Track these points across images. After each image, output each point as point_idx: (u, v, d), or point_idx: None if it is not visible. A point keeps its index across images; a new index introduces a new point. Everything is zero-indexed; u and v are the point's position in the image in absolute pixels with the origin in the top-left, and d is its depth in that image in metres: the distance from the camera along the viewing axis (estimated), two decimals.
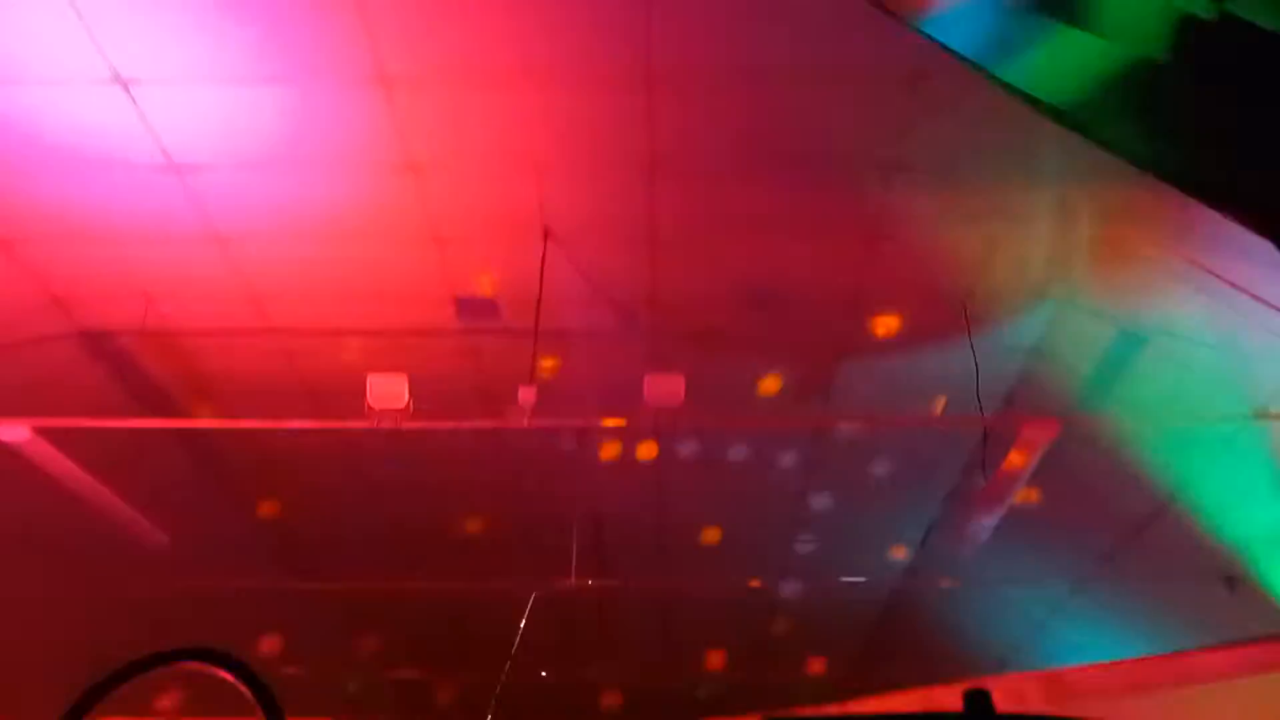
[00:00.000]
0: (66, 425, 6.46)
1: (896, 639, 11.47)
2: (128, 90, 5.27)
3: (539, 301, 6.63)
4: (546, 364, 7.47)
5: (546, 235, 6.41)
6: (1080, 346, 7.01)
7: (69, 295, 6.87)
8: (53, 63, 5.07)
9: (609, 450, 8.56)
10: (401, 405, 5.68)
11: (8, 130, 5.47)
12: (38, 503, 7.68)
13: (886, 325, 7.19)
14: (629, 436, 7.88)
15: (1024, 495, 7.53)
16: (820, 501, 9.40)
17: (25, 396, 7.00)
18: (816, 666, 12.42)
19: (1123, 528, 7.92)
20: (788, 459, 8.64)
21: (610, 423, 6.41)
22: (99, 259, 6.57)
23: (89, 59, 5.03)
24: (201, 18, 4.87)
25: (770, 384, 7.87)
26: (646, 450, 8.45)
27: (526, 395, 5.80)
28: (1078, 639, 9.47)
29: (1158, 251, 6.02)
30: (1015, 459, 6.06)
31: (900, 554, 10.35)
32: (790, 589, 10.24)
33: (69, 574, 8.66)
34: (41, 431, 6.26)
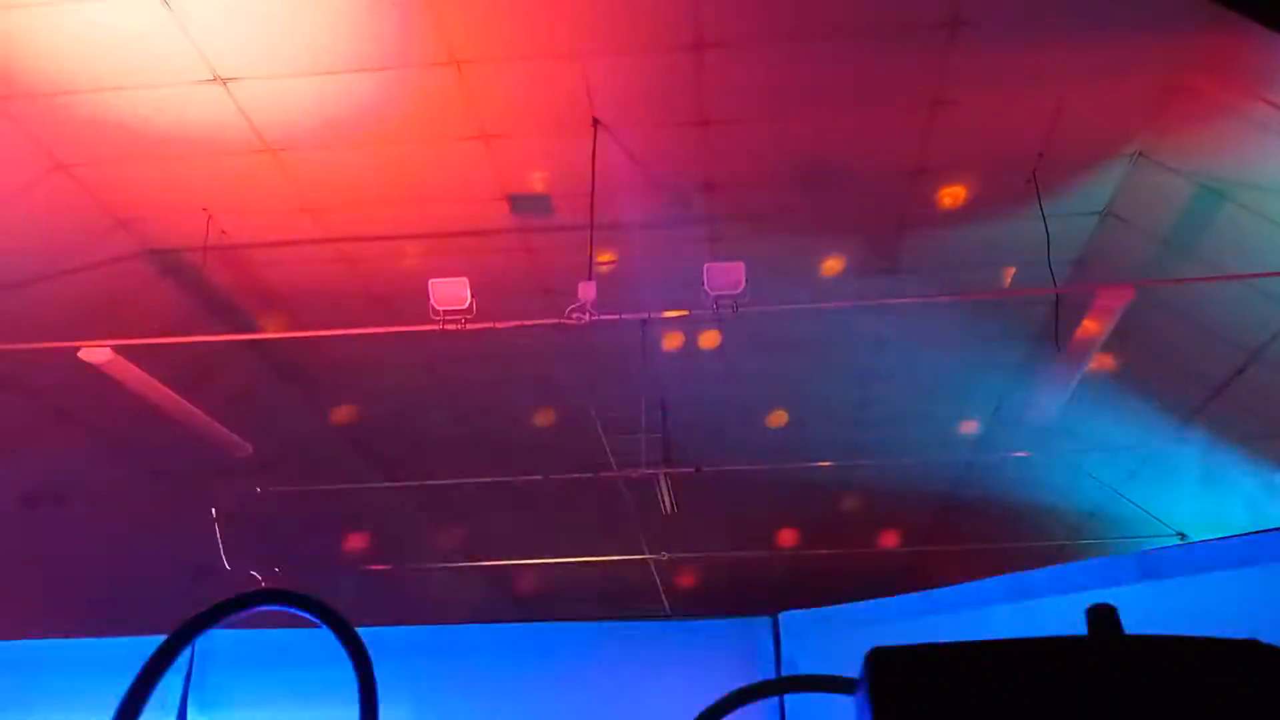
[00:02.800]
0: (144, 344, 6.63)
1: (970, 511, 11.51)
2: (168, 5, 5.22)
3: (592, 192, 6.54)
4: (604, 257, 7.42)
5: (595, 124, 6.29)
6: (1155, 206, 6.73)
7: (132, 216, 6.98)
8: None
9: (672, 340, 8.57)
10: (464, 307, 5.70)
11: (59, 49, 5.48)
12: (125, 419, 8.00)
13: (952, 194, 6.97)
14: (692, 325, 7.85)
15: (1099, 361, 7.37)
16: (889, 378, 9.33)
17: (102, 317, 7.20)
18: (889, 540, 12.57)
19: (1203, 389, 7.72)
20: (855, 337, 8.56)
21: (672, 314, 6.35)
22: (156, 178, 6.63)
23: None
24: None
25: (833, 263, 7.74)
26: (710, 337, 8.44)
27: (587, 290, 5.77)
28: (1154, 506, 9.39)
29: (1238, 100, 5.70)
30: (1089, 326, 5.89)
31: (972, 427, 10.30)
32: (861, 466, 10.27)
33: (161, 485, 9.07)
34: (121, 350, 6.44)
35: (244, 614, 0.77)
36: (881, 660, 0.63)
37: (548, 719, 2.76)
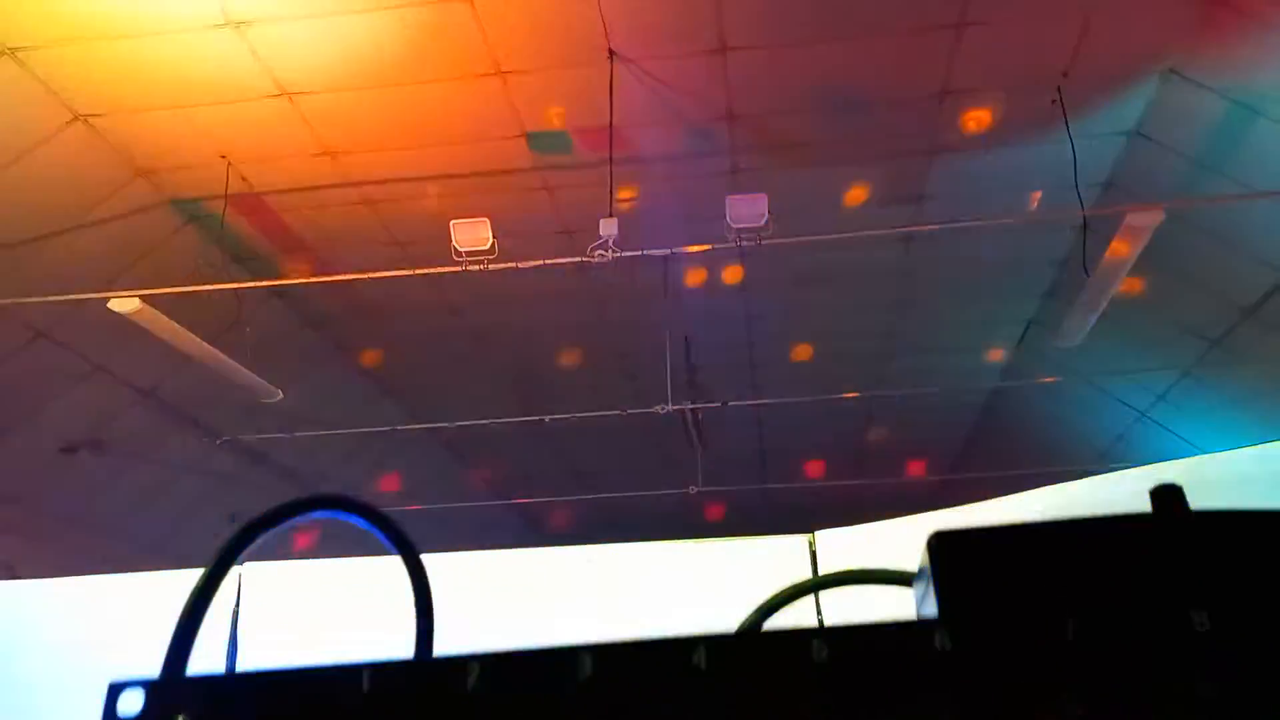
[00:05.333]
0: (172, 293, 6.67)
1: (997, 438, 11.51)
2: None
3: (610, 126, 6.48)
4: (625, 193, 7.38)
5: (612, 56, 6.20)
6: (1185, 124, 6.59)
7: (152, 166, 6.98)
8: None
9: (696, 275, 8.54)
10: (486, 247, 5.69)
11: (70, 3, 5.45)
12: (156, 368, 8.10)
13: (977, 118, 6.85)
14: (716, 259, 7.82)
15: (1127, 284, 7.29)
16: (915, 308, 9.28)
17: (128, 269, 7.26)
18: (916, 469, 12.61)
19: (1233, 309, 7.63)
20: (880, 267, 8.50)
21: (695, 248, 6.32)
22: (174, 126, 6.61)
23: None
24: None
25: (858, 192, 7.66)
26: (733, 272, 8.40)
27: (608, 227, 5.74)
28: (1182, 429, 9.34)
29: (1272, 11, 5.53)
30: (1118, 248, 5.80)
31: (998, 355, 10.25)
32: (887, 395, 10.26)
33: (194, 430, 9.21)
34: (149, 300, 6.49)
35: (298, 520, 0.78)
36: (945, 543, 0.64)
37: (589, 636, 2.82)
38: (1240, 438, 9.00)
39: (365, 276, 6.77)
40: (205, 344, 6.89)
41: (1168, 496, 0.63)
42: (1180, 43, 6.09)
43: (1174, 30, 6.01)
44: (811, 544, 3.03)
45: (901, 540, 2.88)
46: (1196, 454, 9.42)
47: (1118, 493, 2.60)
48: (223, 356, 7.12)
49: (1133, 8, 5.85)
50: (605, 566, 3.09)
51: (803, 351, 10.09)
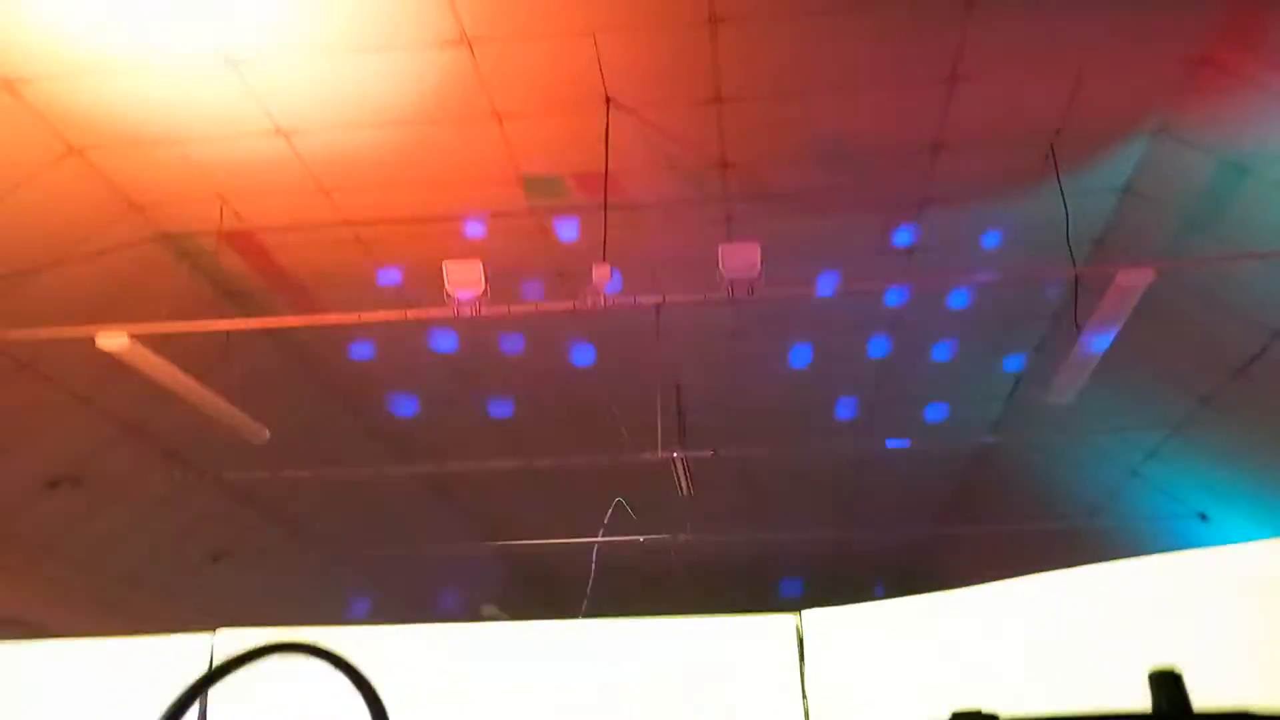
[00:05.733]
0: (160, 330, 6.62)
1: (986, 490, 11.47)
2: None
3: (605, 173, 6.50)
4: (619, 239, 7.38)
5: (609, 103, 6.24)
6: (1176, 182, 6.64)
7: (146, 200, 6.97)
8: None
9: (687, 321, 8.51)
10: (479, 290, 5.67)
11: (69, 39, 5.46)
12: (142, 404, 8.01)
13: (969, 172, 6.89)
14: (707, 305, 7.80)
15: (1117, 341, 7.29)
16: (905, 359, 9.27)
17: (117, 303, 7.21)
18: (906, 520, 12.54)
19: (1223, 368, 7.63)
20: (870, 316, 8.50)
21: (686, 297, 6.31)
22: (169, 161, 6.61)
23: None
24: None
25: (851, 241, 7.67)
26: (725, 318, 8.39)
27: (600, 273, 5.73)
28: (1174, 487, 9.31)
29: (1263, 73, 5.60)
30: (1109, 307, 5.81)
31: (989, 408, 10.25)
32: (875, 447, 10.22)
33: (179, 467, 9.10)
34: (137, 336, 6.44)
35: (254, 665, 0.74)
36: None
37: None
38: (1232, 498, 8.98)
39: (356, 318, 6.73)
40: (192, 381, 6.83)
41: (1168, 686, 0.59)
42: (1169, 102, 6.16)
43: (1163, 89, 6.08)
44: (799, 627, 2.89)
45: (892, 623, 2.80)
46: (1186, 514, 9.40)
47: (1120, 584, 2.53)
48: (210, 394, 7.06)
49: (1122, 66, 5.92)
50: (570, 646, 2.98)
51: (794, 399, 10.06)
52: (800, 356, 9.15)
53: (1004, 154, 6.71)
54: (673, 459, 8.09)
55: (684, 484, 9.39)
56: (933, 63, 5.90)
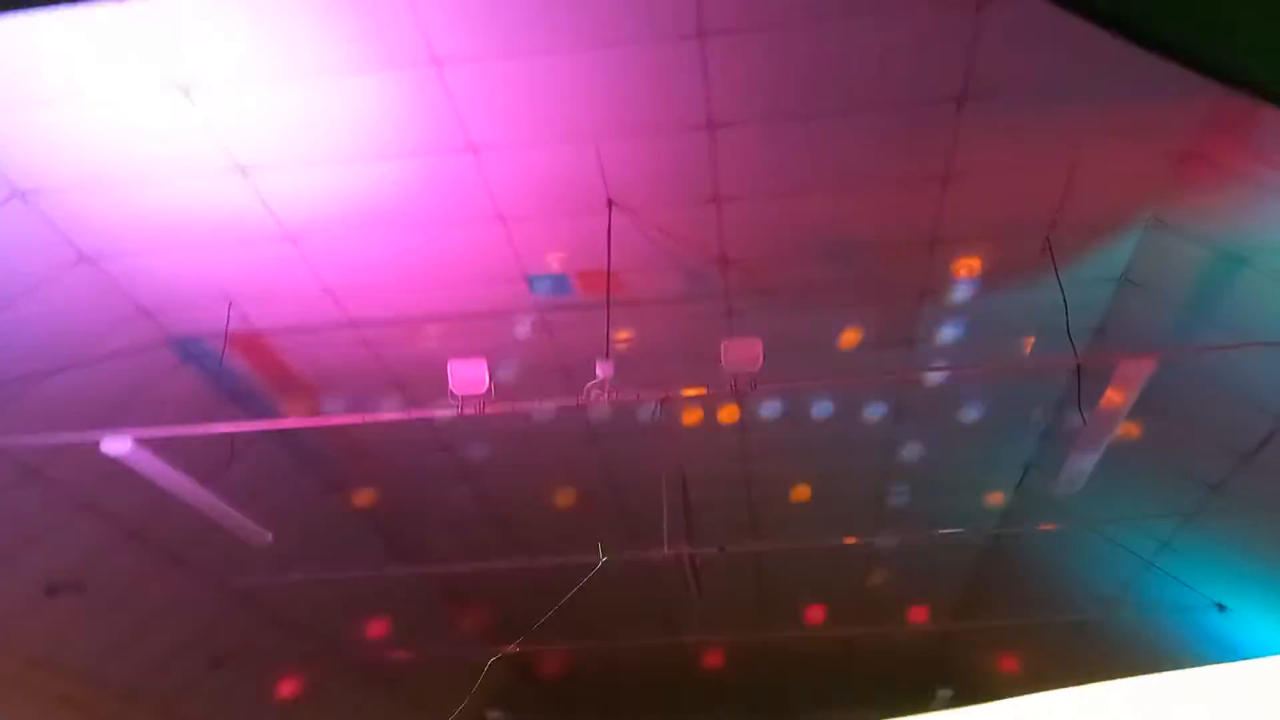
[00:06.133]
0: (165, 435, 6.63)
1: (999, 582, 11.28)
2: (189, 97, 5.35)
3: (608, 272, 6.59)
4: (622, 334, 7.45)
5: (610, 204, 6.36)
6: (1173, 271, 6.71)
7: (155, 304, 7.05)
8: (115, 77, 5.16)
9: (692, 415, 8.53)
10: (483, 389, 5.69)
11: (82, 147, 5.61)
12: (146, 508, 7.96)
13: (968, 265, 6.98)
14: (711, 400, 7.83)
15: (1124, 429, 7.27)
16: (912, 449, 9.24)
17: (123, 407, 7.24)
18: (918, 615, 12.31)
19: (1232, 455, 7.59)
20: (875, 409, 8.50)
21: (690, 392, 6.33)
22: (179, 266, 6.72)
23: (147, 69, 5.12)
24: (252, 17, 4.90)
25: (852, 335, 7.73)
26: (729, 413, 8.40)
27: (604, 369, 5.76)
28: (1190, 576, 9.16)
29: (1252, 166, 5.71)
30: (1113, 397, 5.82)
31: (998, 498, 10.16)
32: (886, 540, 10.11)
33: (181, 572, 9.00)
34: (142, 440, 6.45)
35: None
36: None
37: None
38: (1249, 587, 8.83)
39: (361, 420, 6.74)
40: (197, 486, 6.82)
41: None
42: (1161, 194, 6.26)
43: (1154, 182, 6.19)
44: None
45: None
46: (1204, 605, 9.22)
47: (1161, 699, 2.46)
48: (214, 499, 7.03)
49: (1113, 160, 6.03)
50: None
51: (801, 492, 9.99)
52: (806, 448, 9.13)
53: (1001, 247, 6.80)
54: (684, 559, 8.00)
55: (693, 584, 9.27)
56: (926, 161, 6.02)
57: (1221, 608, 9.22)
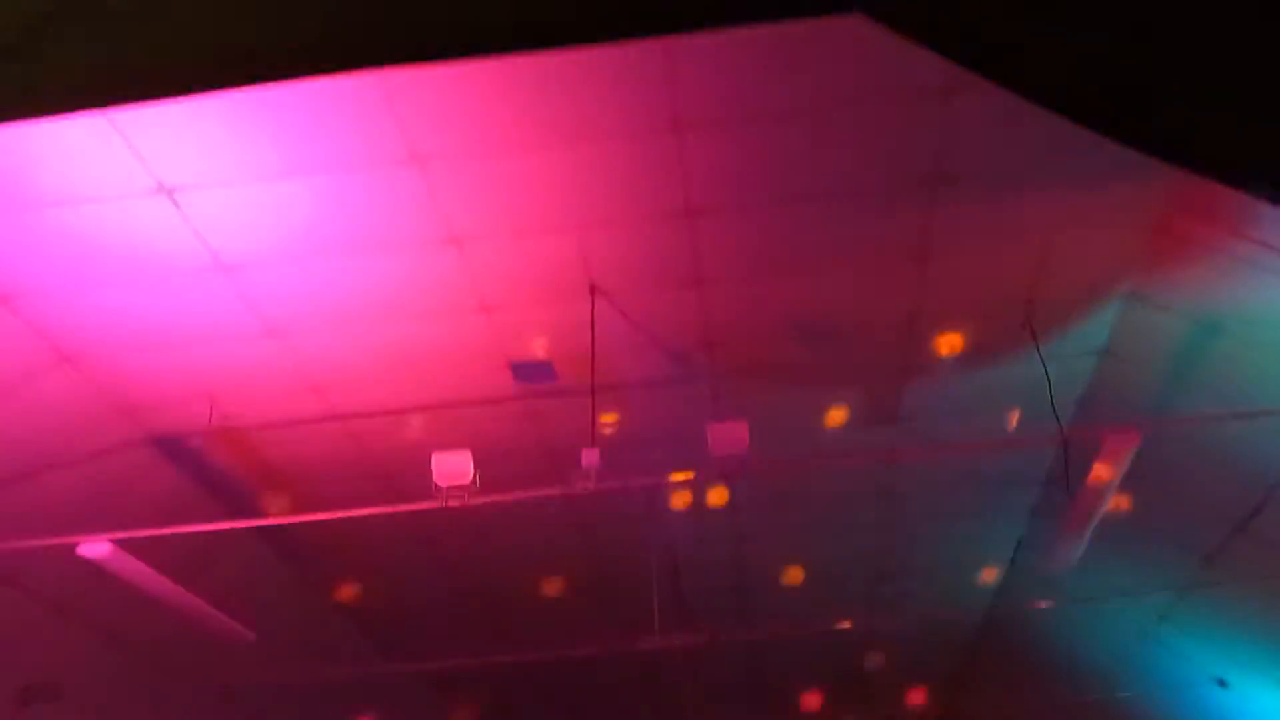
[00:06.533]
0: (144, 535, 6.52)
1: (997, 660, 11.10)
2: (172, 198, 5.39)
3: (593, 357, 6.59)
4: (607, 419, 7.42)
5: (593, 290, 6.39)
6: (1152, 343, 6.77)
7: (135, 403, 7.00)
8: (99, 180, 5.20)
9: (680, 500, 8.45)
10: (467, 481, 5.64)
11: (64, 249, 5.62)
12: (124, 611, 7.79)
13: (949, 343, 7.02)
14: (699, 484, 7.77)
15: (1114, 501, 7.24)
16: (902, 528, 9.17)
17: (101, 507, 7.13)
18: (916, 697, 12.07)
19: (1225, 525, 7.56)
20: (863, 489, 8.45)
21: (678, 477, 6.29)
22: (160, 365, 6.69)
23: (132, 172, 5.16)
24: (235, 118, 4.96)
25: (836, 414, 7.72)
26: (717, 496, 8.33)
27: (590, 458, 5.72)
28: (1188, 647, 9.05)
29: (1223, 238, 5.80)
30: (1100, 471, 5.81)
31: (991, 574, 10.06)
32: (880, 622, 9.97)
33: (161, 674, 8.77)
34: (120, 542, 6.33)
35: None
36: None
37: None
38: (1250, 661, 8.71)
39: (342, 515, 6.66)
40: (176, 587, 6.68)
41: None
42: (1136, 268, 6.35)
43: (1128, 257, 6.28)
44: None
45: None
46: (1204, 680, 9.09)
47: None
48: (194, 599, 6.89)
49: (1086, 236, 6.12)
50: None
51: (792, 575, 9.86)
52: (795, 530, 9.05)
53: (980, 323, 6.85)
54: (672, 646, 7.85)
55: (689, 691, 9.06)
56: (902, 243, 6.10)
57: (1223, 683, 9.08)
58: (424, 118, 5.05)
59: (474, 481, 5.64)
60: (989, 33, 2.28)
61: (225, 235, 5.68)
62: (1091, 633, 9.74)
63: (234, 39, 2.67)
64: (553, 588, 9.44)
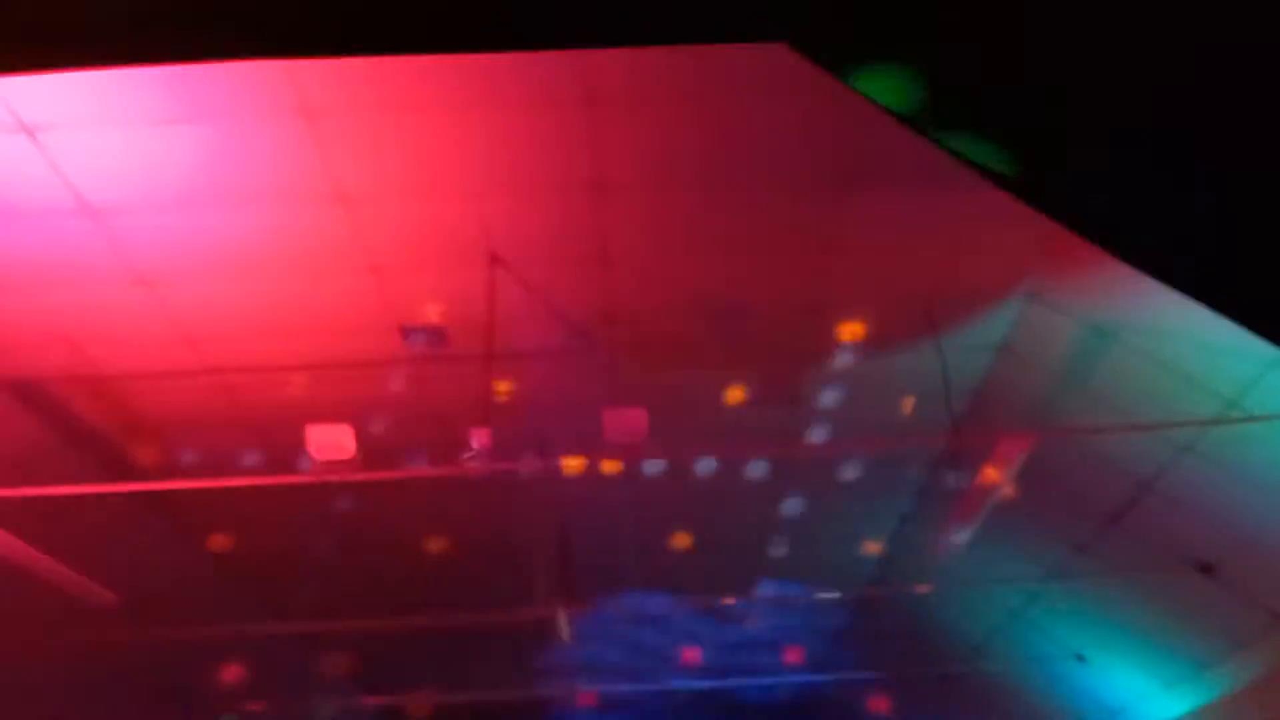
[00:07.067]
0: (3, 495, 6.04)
1: (871, 631, 11.39)
2: (33, 137, 4.90)
3: (489, 328, 6.33)
4: (502, 387, 7.19)
5: (493, 259, 6.13)
6: (1048, 344, 6.85)
7: None
8: None
9: (572, 466, 8.30)
10: (348, 455, 5.35)
11: None
12: None
13: (850, 330, 6.98)
14: (592, 456, 7.63)
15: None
16: (790, 504, 9.23)
17: None
18: (792, 656, 12.35)
19: (1097, 518, 7.81)
20: (755, 467, 8.44)
21: (570, 463, 6.12)
22: (19, 307, 6.17)
23: None
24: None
25: (735, 393, 7.65)
26: (610, 466, 8.20)
27: (480, 438, 5.49)
28: (1053, 628, 9.41)
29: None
30: (989, 474, 5.87)
31: (875, 548, 10.25)
32: (762, 594, 10.10)
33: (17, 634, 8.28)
34: None
35: None
36: None
37: None
38: (1108, 641, 9.12)
39: (214, 484, 6.29)
40: (29, 548, 6.24)
41: None
42: (1037, 270, 6.38)
43: (1029, 259, 6.30)
44: None
45: None
46: (1064, 655, 9.49)
47: None
48: (50, 561, 6.45)
49: (992, 238, 6.12)
50: None
51: (682, 541, 9.87)
52: (686, 501, 9.02)
53: (883, 314, 6.82)
54: (556, 612, 7.77)
55: (566, 631, 9.06)
56: (813, 233, 6.00)
57: (1081, 658, 9.49)
58: (317, 69, 4.67)
59: (353, 457, 5.35)
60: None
61: (93, 178, 5.23)
62: (963, 611, 10.04)
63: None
64: (437, 550, 9.22)
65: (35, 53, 2.48)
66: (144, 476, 7.69)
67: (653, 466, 7.91)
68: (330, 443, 5.30)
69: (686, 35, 2.47)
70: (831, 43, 2.17)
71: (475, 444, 5.51)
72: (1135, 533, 7.68)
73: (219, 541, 8.88)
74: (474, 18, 2.28)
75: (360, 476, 5.53)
